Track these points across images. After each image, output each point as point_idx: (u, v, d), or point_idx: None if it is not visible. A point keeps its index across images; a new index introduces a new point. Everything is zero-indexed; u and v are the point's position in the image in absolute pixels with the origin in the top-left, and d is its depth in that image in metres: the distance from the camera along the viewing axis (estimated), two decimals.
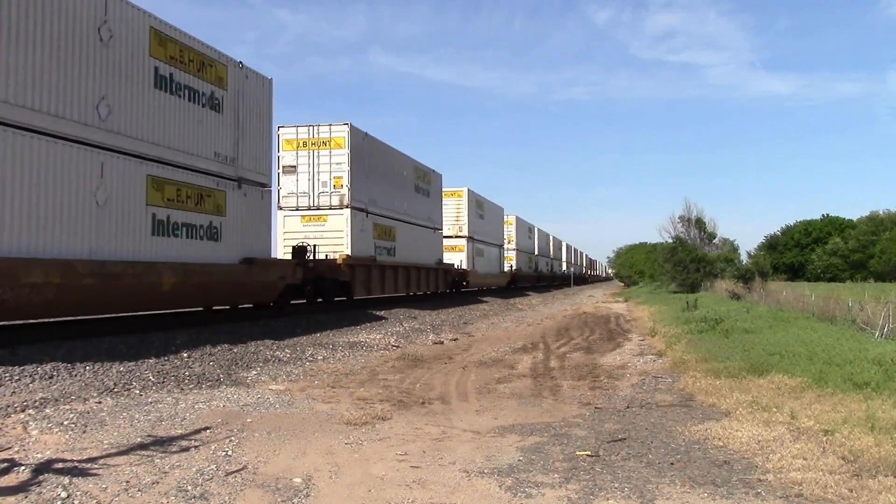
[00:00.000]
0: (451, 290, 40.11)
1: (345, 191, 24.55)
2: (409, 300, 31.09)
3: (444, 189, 39.18)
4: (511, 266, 55.20)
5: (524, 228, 62.42)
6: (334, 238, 24.14)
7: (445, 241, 38.74)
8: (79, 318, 13.87)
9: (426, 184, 34.12)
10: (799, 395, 8.73)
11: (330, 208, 24.61)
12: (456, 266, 39.70)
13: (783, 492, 5.44)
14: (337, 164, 24.58)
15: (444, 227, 37.96)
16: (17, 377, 9.50)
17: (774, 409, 7.93)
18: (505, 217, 55.13)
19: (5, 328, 12.91)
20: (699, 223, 50.68)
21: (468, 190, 42.61)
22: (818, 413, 7.66)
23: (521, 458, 6.42)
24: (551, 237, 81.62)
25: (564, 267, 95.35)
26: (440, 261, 35.68)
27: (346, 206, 24.42)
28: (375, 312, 24.07)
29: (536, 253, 67.74)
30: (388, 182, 28.41)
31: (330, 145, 24.75)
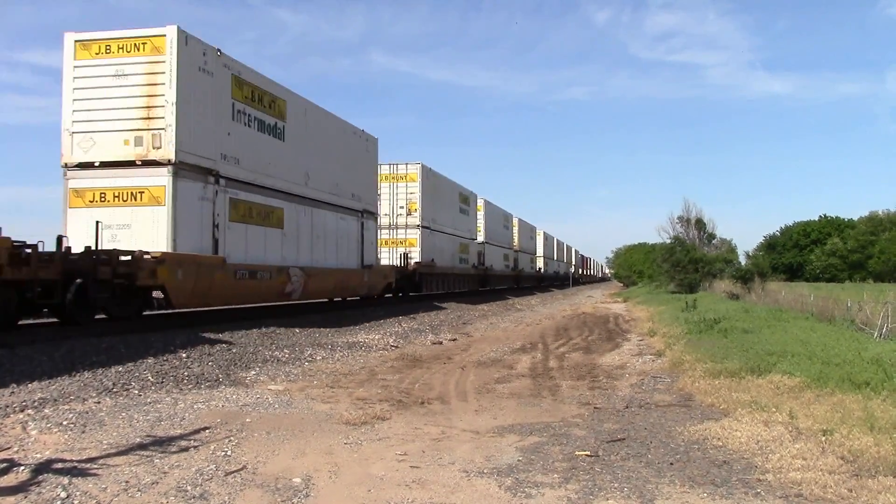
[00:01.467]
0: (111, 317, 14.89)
1: None
2: None
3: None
4: (407, 256, 31.67)
5: (451, 194, 38.28)
6: None
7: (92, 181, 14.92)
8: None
9: None
10: (798, 395, 8.73)
11: None
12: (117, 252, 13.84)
13: (783, 492, 5.44)
14: None
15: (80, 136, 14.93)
16: (16, 377, 9.49)
17: (773, 409, 7.94)
18: (403, 168, 32.39)
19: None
20: (698, 223, 50.84)
21: (178, 29, 14.75)
22: (817, 413, 7.67)
23: (520, 458, 6.42)
24: (516, 219, 58.70)
25: (541, 264, 72.80)
26: None
27: None
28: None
29: (483, 240, 45.78)
30: None
31: None
